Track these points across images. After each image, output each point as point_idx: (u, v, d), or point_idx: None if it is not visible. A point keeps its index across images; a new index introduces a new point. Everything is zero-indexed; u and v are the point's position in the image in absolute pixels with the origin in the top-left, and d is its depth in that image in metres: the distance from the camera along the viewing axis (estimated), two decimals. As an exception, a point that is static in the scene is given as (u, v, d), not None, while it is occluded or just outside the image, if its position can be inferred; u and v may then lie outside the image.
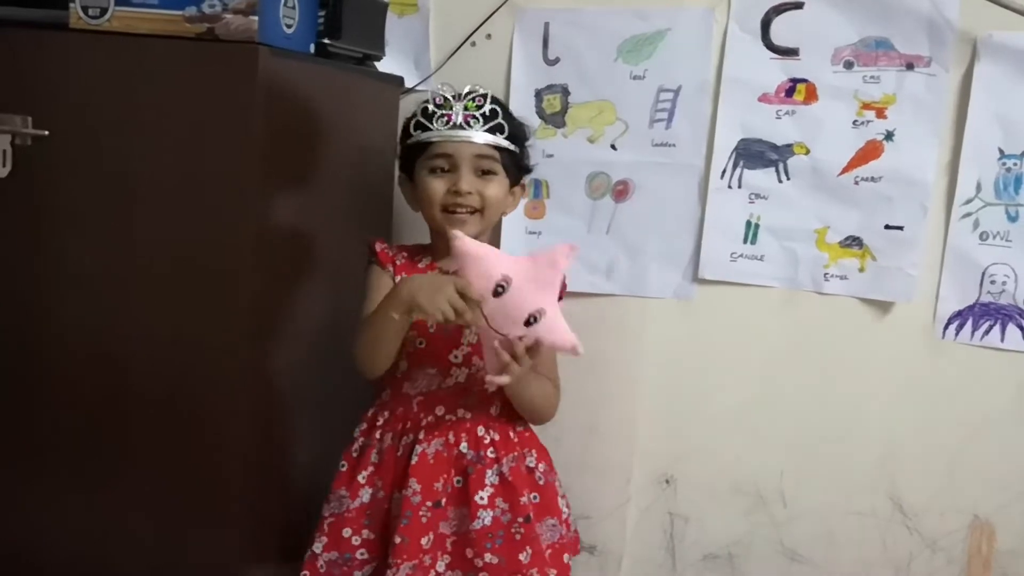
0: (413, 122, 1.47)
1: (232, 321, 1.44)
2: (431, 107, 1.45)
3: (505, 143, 1.46)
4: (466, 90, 1.46)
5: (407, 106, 1.85)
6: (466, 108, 1.44)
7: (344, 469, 1.50)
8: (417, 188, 1.48)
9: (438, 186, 1.45)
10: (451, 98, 1.45)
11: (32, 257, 1.48)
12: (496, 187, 1.47)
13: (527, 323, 1.31)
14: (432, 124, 1.44)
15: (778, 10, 1.74)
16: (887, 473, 1.81)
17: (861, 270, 1.77)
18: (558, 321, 1.34)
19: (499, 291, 1.29)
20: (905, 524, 1.82)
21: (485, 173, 1.46)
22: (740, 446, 1.86)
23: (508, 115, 1.48)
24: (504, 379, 1.35)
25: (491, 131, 1.45)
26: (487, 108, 1.45)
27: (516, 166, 1.50)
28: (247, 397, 1.47)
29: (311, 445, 1.65)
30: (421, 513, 1.43)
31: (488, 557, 1.44)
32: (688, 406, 1.87)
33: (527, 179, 1.56)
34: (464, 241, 1.32)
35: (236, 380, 1.46)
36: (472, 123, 1.44)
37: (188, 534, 1.50)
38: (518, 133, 1.50)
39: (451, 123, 1.44)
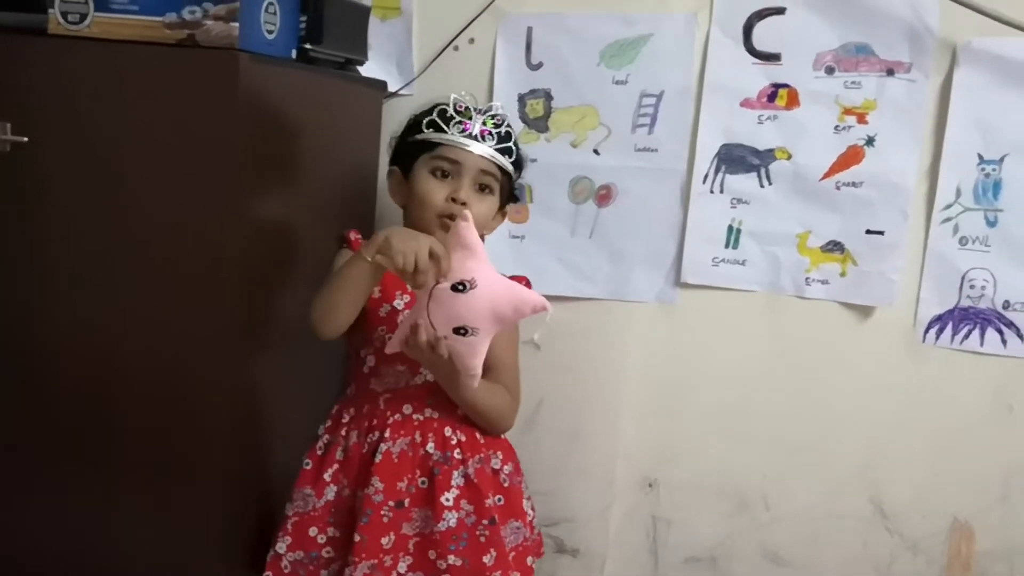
0: (427, 120, 1.47)
1: (215, 324, 1.44)
2: (451, 111, 1.46)
3: (509, 166, 1.50)
4: (488, 106, 1.49)
5: (390, 110, 1.86)
6: (484, 123, 1.46)
7: (308, 467, 1.50)
8: (412, 185, 1.48)
9: (438, 190, 1.45)
10: (472, 108, 1.47)
11: (13, 262, 1.47)
12: (488, 205, 1.49)
13: (456, 331, 1.30)
14: (448, 128, 1.46)
15: (760, 15, 1.75)
16: (868, 475, 1.82)
17: (842, 274, 1.78)
18: (479, 348, 1.33)
19: (459, 288, 1.29)
20: (886, 526, 1.83)
21: (482, 189, 1.48)
22: (723, 449, 1.87)
23: (517, 142, 1.51)
24: (396, 347, 1.35)
25: (501, 151, 1.47)
26: (503, 129, 1.48)
27: (509, 191, 1.53)
28: (229, 399, 1.47)
29: (293, 445, 1.65)
30: (383, 512, 1.43)
31: (452, 559, 1.44)
32: (671, 409, 1.88)
33: (509, 206, 1.58)
34: (468, 227, 1.31)
35: (219, 383, 1.46)
36: (486, 138, 1.46)
37: (170, 532, 1.50)
38: (521, 161, 1.53)
39: (467, 132, 1.45)
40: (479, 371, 1.36)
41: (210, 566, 1.50)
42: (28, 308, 1.48)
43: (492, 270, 1.33)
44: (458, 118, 1.46)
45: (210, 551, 1.50)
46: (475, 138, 1.45)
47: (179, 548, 1.50)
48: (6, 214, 1.45)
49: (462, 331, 1.31)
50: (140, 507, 1.50)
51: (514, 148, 1.50)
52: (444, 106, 1.47)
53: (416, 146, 1.48)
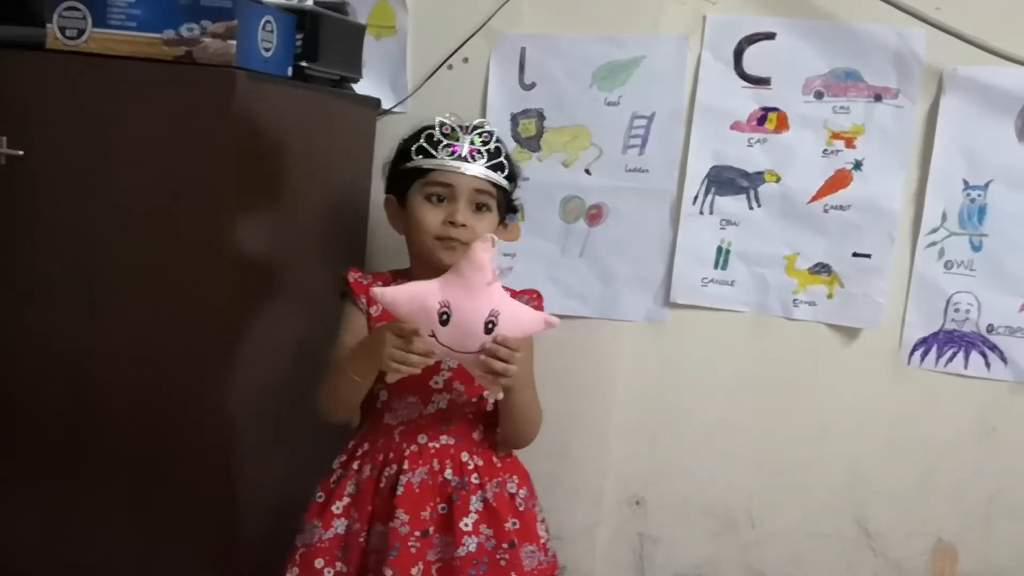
0: (415, 147, 1.46)
1: (204, 341, 1.45)
2: (437, 135, 1.45)
3: (503, 182, 1.48)
4: (474, 124, 1.46)
5: (383, 128, 1.88)
6: (472, 142, 1.45)
7: (321, 500, 1.48)
8: (409, 213, 1.48)
9: (434, 215, 1.44)
10: (459, 129, 1.45)
11: (7, 275, 1.47)
12: (487, 223, 1.47)
13: (487, 331, 1.29)
14: (436, 152, 1.44)
15: (751, 40, 1.77)
16: (853, 496, 1.84)
17: (829, 296, 1.80)
18: (516, 310, 1.32)
19: (444, 318, 1.28)
20: (870, 546, 1.85)
21: (479, 208, 1.46)
22: (710, 468, 1.88)
23: (508, 155, 1.49)
24: (499, 393, 1.35)
25: (493, 168, 1.46)
26: (492, 145, 1.46)
27: (507, 205, 1.52)
28: (215, 419, 1.48)
29: (277, 468, 1.65)
30: (410, 544, 1.42)
31: None
32: (659, 428, 1.89)
33: (510, 217, 1.57)
34: (383, 294, 1.29)
35: (205, 401, 1.47)
36: (476, 157, 1.44)
37: (155, 553, 1.50)
38: (514, 173, 1.52)
39: (456, 154, 1.44)
40: (541, 314, 1.37)
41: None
42: (19, 320, 1.49)
43: (434, 282, 1.31)
44: (446, 141, 1.44)
45: (196, 566, 1.50)
46: (465, 159, 1.44)
47: (167, 561, 1.50)
48: (1, 226, 1.46)
49: (491, 325, 1.29)
50: (127, 520, 1.51)
51: (506, 162, 1.48)
52: (431, 130, 1.46)
53: (408, 173, 1.47)
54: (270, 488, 1.64)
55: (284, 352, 1.61)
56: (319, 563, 1.45)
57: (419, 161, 1.45)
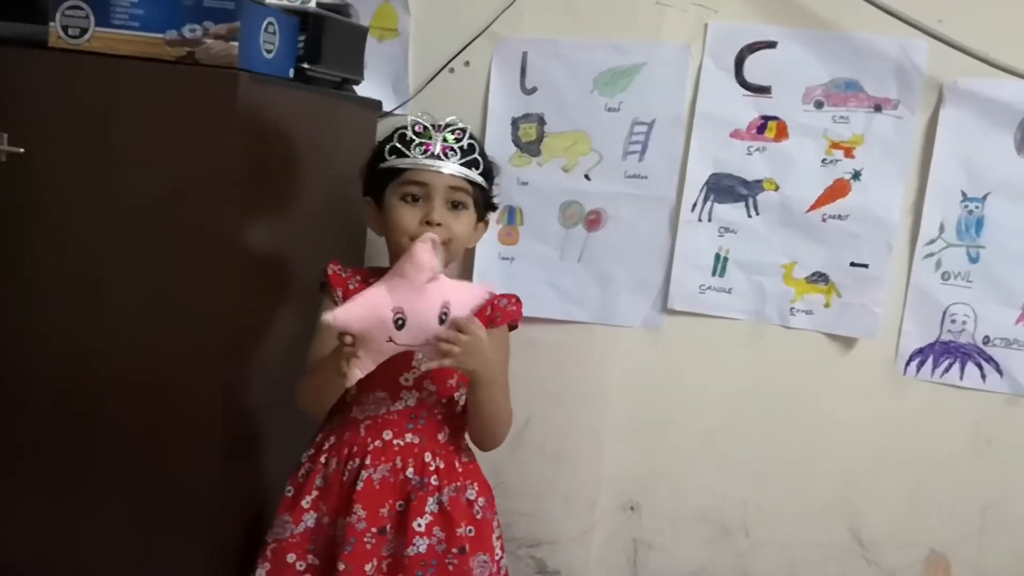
0: (388, 147, 1.45)
1: (208, 339, 1.45)
2: (409, 134, 1.44)
3: (479, 179, 1.47)
4: (446, 121, 1.45)
5: (384, 130, 1.87)
6: (444, 140, 1.44)
7: (289, 494, 1.49)
8: (386, 214, 1.47)
9: (410, 215, 1.43)
10: (431, 127, 1.45)
11: (7, 273, 1.47)
12: (465, 222, 1.46)
13: (441, 322, 1.31)
14: (409, 151, 1.43)
15: (752, 49, 1.78)
16: (847, 505, 1.84)
17: (827, 306, 1.80)
18: (462, 295, 1.33)
19: (400, 324, 1.28)
20: (864, 556, 1.85)
21: (455, 206, 1.45)
22: (705, 475, 1.88)
23: (483, 151, 1.48)
24: (438, 362, 1.34)
25: (467, 165, 1.45)
26: (465, 142, 1.45)
27: (484, 202, 1.51)
28: (219, 416, 1.48)
29: (279, 465, 1.65)
30: (366, 539, 1.42)
31: None
32: (654, 434, 1.89)
33: (490, 214, 1.56)
34: (335, 319, 1.27)
35: (209, 396, 1.47)
36: (450, 155, 1.43)
37: (155, 551, 1.50)
38: (490, 169, 1.50)
39: (429, 153, 1.43)
40: (482, 286, 1.38)
41: (197, 566, 1.50)
42: (20, 319, 1.49)
43: (379, 288, 1.30)
44: (418, 140, 1.43)
45: (195, 564, 1.50)
46: (438, 157, 1.43)
47: (167, 558, 1.50)
48: (1, 225, 1.46)
49: (444, 315, 1.31)
50: (126, 519, 1.50)
51: (480, 159, 1.46)
52: (403, 130, 1.45)
53: (383, 174, 1.46)
54: (272, 485, 1.64)
55: (287, 349, 1.62)
56: (291, 557, 1.45)
57: (393, 161, 1.44)
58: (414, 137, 1.44)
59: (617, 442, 1.90)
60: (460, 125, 1.46)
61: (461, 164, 1.44)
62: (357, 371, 1.30)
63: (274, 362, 1.60)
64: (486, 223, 1.55)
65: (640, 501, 1.92)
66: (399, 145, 1.45)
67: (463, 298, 1.33)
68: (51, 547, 1.53)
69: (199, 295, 1.43)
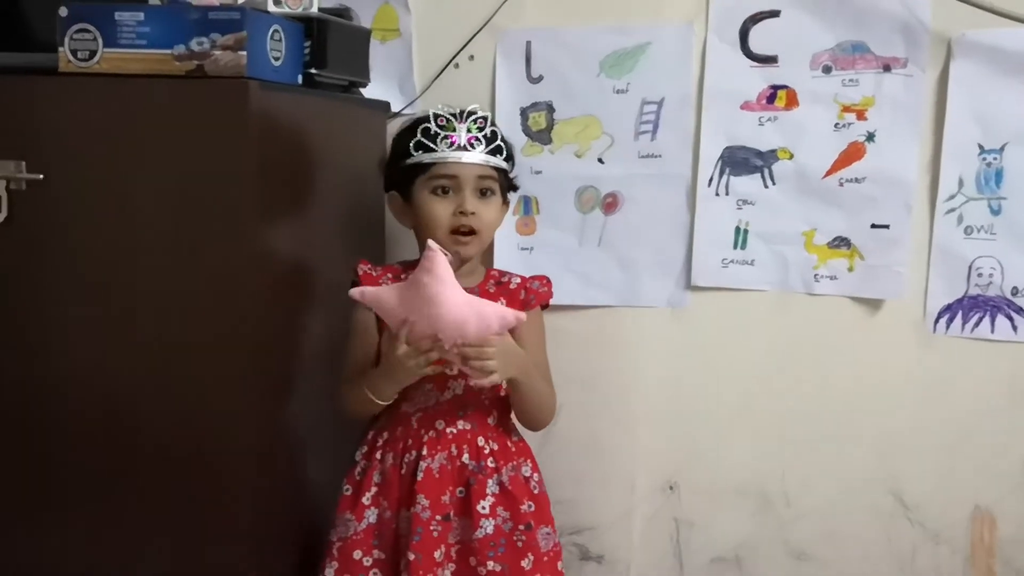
0: (413, 142, 1.47)
1: (233, 351, 1.45)
2: (433, 127, 1.46)
3: (503, 164, 1.50)
4: (467, 111, 1.47)
5: (394, 129, 1.88)
6: (469, 130, 1.46)
7: (348, 493, 1.52)
8: (416, 209, 1.49)
9: (443, 209, 1.46)
10: (453, 118, 1.47)
11: (32, 300, 1.48)
12: (494, 207, 1.50)
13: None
14: (435, 145, 1.46)
15: (755, 19, 1.77)
16: (887, 468, 1.84)
17: (850, 270, 1.80)
18: (484, 311, 1.37)
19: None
20: (907, 517, 1.84)
21: (484, 193, 1.48)
22: (741, 449, 1.88)
23: (503, 136, 1.51)
24: (493, 377, 1.39)
25: (492, 152, 1.48)
26: (488, 130, 1.48)
27: (508, 184, 1.54)
28: (251, 424, 1.48)
29: (315, 463, 1.66)
30: (432, 528, 1.45)
31: (491, 565, 1.47)
32: (687, 412, 1.89)
33: (513, 196, 1.59)
34: (435, 255, 1.34)
35: (239, 408, 1.46)
36: (475, 144, 1.46)
37: (198, 560, 1.50)
38: (511, 153, 1.53)
39: (455, 145, 1.45)
40: (506, 312, 1.40)
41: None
42: (43, 346, 1.49)
43: (460, 293, 1.36)
44: (443, 133, 1.46)
45: (237, 566, 1.50)
46: (464, 148, 1.45)
47: (206, 564, 1.50)
48: (25, 251, 1.47)
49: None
50: (168, 538, 1.50)
51: (503, 145, 1.50)
52: (426, 124, 1.47)
53: (410, 170, 1.49)
54: (310, 488, 1.65)
55: (316, 352, 1.63)
56: (357, 554, 1.49)
57: (419, 156, 1.47)
58: (438, 130, 1.46)
59: (651, 423, 1.90)
60: (481, 113, 1.48)
61: (487, 152, 1.47)
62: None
63: (305, 365, 1.61)
64: (507, 204, 1.57)
65: (678, 480, 1.91)
66: (424, 139, 1.47)
67: (484, 314, 1.37)
68: (86, 559, 1.53)
69: (224, 305, 1.43)
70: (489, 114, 1.49)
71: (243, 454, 1.48)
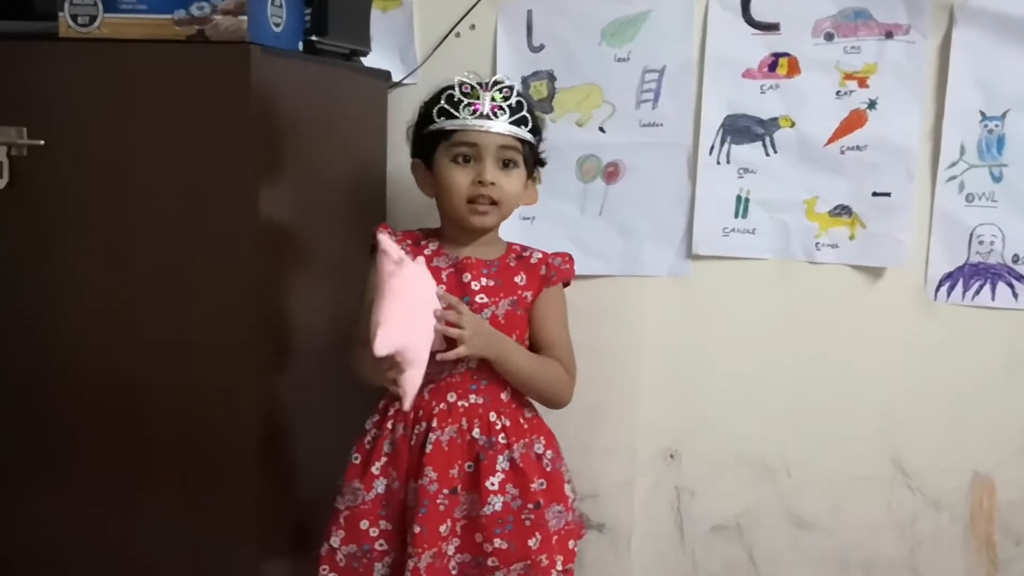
0: (437, 108, 1.47)
1: (235, 320, 1.45)
2: (457, 94, 1.45)
3: (528, 136, 1.48)
4: (493, 80, 1.46)
5: (395, 100, 1.88)
6: (493, 99, 1.45)
7: (357, 461, 1.51)
8: (437, 176, 1.49)
9: (462, 177, 1.45)
10: (478, 86, 1.46)
11: (34, 266, 1.48)
12: (516, 180, 1.49)
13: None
14: (458, 112, 1.45)
15: (757, -14, 1.77)
16: (887, 436, 1.84)
17: (851, 238, 1.80)
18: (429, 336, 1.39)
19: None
20: (908, 485, 1.85)
21: (506, 164, 1.47)
22: (742, 417, 1.88)
23: (531, 108, 1.49)
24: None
25: (516, 123, 1.46)
26: (513, 100, 1.46)
27: (534, 158, 1.52)
28: (253, 394, 1.48)
29: (320, 438, 1.67)
30: (439, 501, 1.44)
31: (498, 542, 1.46)
32: (689, 381, 1.90)
33: (539, 170, 1.58)
34: (385, 240, 1.37)
35: (242, 377, 1.47)
36: (499, 114, 1.45)
37: (203, 531, 1.51)
38: (539, 126, 1.52)
39: (478, 112, 1.44)
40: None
41: (245, 567, 1.51)
42: (46, 312, 1.50)
43: (416, 275, 1.38)
44: (467, 100, 1.45)
45: (244, 543, 1.51)
46: (487, 116, 1.44)
47: (213, 543, 1.51)
48: (27, 217, 1.47)
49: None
50: (170, 507, 1.51)
51: (529, 116, 1.48)
52: (450, 90, 1.46)
53: (432, 136, 1.48)
54: (314, 459, 1.65)
55: (320, 322, 1.63)
56: (364, 524, 1.48)
57: (442, 123, 1.46)
58: (462, 98, 1.45)
59: (652, 392, 1.91)
60: (508, 83, 1.47)
61: (510, 123, 1.45)
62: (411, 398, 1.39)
63: (309, 337, 1.61)
64: (535, 180, 1.56)
65: (679, 449, 1.92)
66: (447, 106, 1.46)
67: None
68: (98, 542, 1.53)
69: (224, 272, 1.43)
70: (516, 85, 1.48)
71: (246, 426, 1.48)
